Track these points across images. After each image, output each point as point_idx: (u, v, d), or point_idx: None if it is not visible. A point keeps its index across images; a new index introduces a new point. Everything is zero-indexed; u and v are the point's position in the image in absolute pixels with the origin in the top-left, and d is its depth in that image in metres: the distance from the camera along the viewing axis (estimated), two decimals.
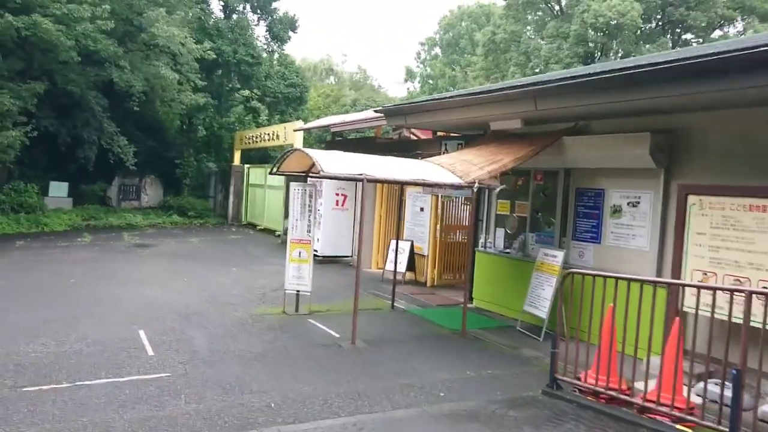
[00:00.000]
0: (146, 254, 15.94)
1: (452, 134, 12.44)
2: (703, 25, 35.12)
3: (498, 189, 8.78)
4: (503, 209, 10.86)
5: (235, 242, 19.68)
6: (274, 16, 27.51)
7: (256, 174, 24.83)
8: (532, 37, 38.53)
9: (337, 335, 8.46)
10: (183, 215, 25.25)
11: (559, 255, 8.85)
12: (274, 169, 9.47)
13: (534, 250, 10.12)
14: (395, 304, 10.93)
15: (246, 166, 25.50)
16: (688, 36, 36.28)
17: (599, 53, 35.03)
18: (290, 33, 27.99)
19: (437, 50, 69.94)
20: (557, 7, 38.26)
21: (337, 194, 15.84)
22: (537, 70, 34.88)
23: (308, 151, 8.45)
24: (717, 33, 35.84)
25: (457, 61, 62.91)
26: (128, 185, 25.99)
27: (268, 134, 22.00)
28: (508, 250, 10.62)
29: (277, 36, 27.24)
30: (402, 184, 9.78)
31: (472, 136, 11.45)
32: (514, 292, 10.08)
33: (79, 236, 18.77)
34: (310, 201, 9.62)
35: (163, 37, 19.25)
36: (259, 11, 27.32)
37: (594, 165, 8.91)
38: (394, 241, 13.28)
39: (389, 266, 13.31)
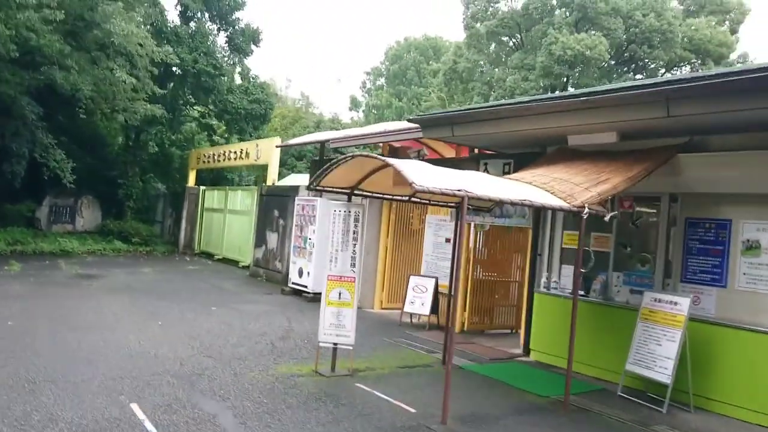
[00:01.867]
0: (96, 288, 13.08)
1: (490, 152, 10.53)
2: (662, 63, 35.40)
3: (609, 216, 6.88)
4: (571, 242, 8.99)
5: (197, 274, 16.95)
6: (236, 27, 25.15)
7: (213, 197, 22.15)
8: (493, 67, 37.74)
9: (412, 410, 6.22)
10: (126, 241, 22.12)
11: (683, 302, 6.99)
12: (314, 184, 7.22)
13: (620, 293, 8.29)
14: (439, 356, 8.78)
15: (201, 188, 22.77)
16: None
17: (563, 86, 34.51)
18: (253, 46, 25.67)
19: (383, 80, 68.99)
20: (516, 40, 37.69)
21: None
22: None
23: (386, 159, 6.28)
24: (674, 72, 36.17)
25: (404, 92, 62.00)
26: (61, 206, 22.63)
27: (236, 152, 19.51)
28: (581, 293, 8.70)
29: (238, 48, 24.85)
30: (503, 204, 7.73)
31: (523, 155, 9.58)
32: (595, 344, 8.17)
33: (5, 264, 15.56)
34: (356, 226, 7.40)
35: (119, 36, 16.58)
36: (219, 21, 24.90)
37: (715, 189, 7.20)
38: (414, 278, 11.18)
39: (408, 308, 11.16)
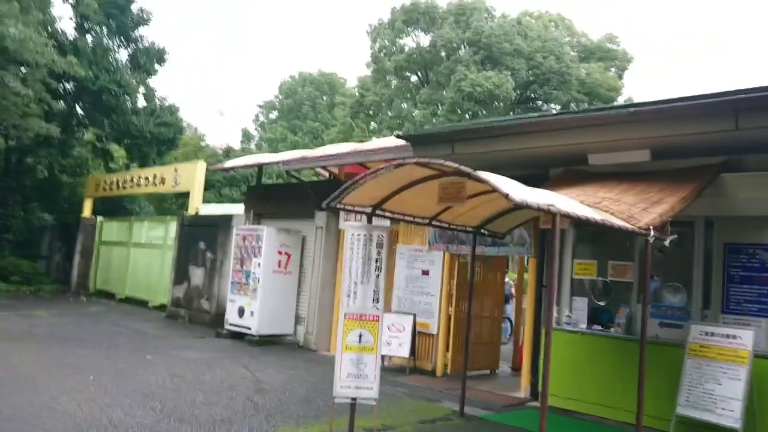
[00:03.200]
0: None
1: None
2: (560, 104, 36.93)
3: (669, 240, 6.14)
4: (584, 272, 8.24)
5: (103, 317, 14.59)
6: (139, 45, 22.97)
7: (113, 229, 19.66)
8: (401, 101, 37.66)
9: None
10: (3, 280, 19.00)
11: (745, 335, 6.34)
12: (335, 202, 5.89)
13: (647, 326, 7.54)
14: (446, 405, 7.60)
15: (99, 218, 20.18)
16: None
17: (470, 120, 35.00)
18: (157, 66, 23.54)
19: (276, 114, 67.49)
20: (421, 75, 37.91)
21: (280, 252, 12.08)
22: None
23: (463, 168, 5.11)
24: None
25: (299, 126, 60.90)
26: None
27: (147, 178, 17.36)
28: (598, 327, 7.94)
29: (142, 67, 22.63)
30: (587, 224, 6.72)
31: (521, 178, 8.76)
32: (623, 385, 7.35)
33: None
34: (379, 253, 6.13)
35: (15, 40, 14.24)
36: (119, 36, 22.61)
37: (762, 212, 6.71)
38: (389, 316, 9.96)
39: (384, 350, 9.86)
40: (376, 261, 6.11)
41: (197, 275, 14.61)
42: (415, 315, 9.93)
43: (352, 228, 6.18)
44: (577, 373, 7.88)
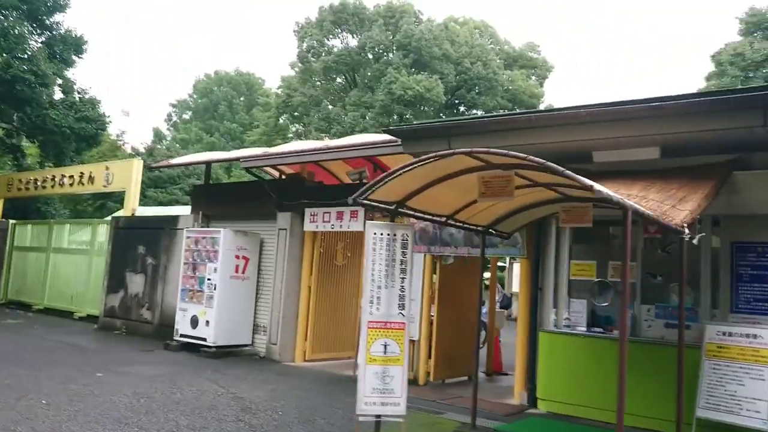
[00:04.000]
0: None
1: None
2: (486, 109, 37.51)
3: (697, 238, 5.96)
4: (583, 273, 8.01)
5: (26, 330, 13.08)
6: (55, 32, 21.12)
7: (27, 233, 17.84)
8: (327, 104, 36.96)
9: None
10: None
11: (766, 334, 6.25)
12: (362, 198, 5.26)
13: (651, 327, 7.42)
14: (450, 417, 7.12)
15: (11, 221, 18.27)
16: None
17: (399, 125, 34.83)
18: (75, 56, 21.71)
19: (190, 114, 64.92)
20: (349, 77, 37.41)
21: (238, 256, 11.19)
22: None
23: (545, 162, 4.58)
24: None
25: (215, 127, 58.83)
26: None
27: (73, 177, 15.79)
28: (598, 329, 7.73)
29: (59, 57, 20.78)
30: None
31: None
32: (630, 389, 7.11)
33: None
34: (404, 254, 5.55)
35: None
36: (32, 22, 20.68)
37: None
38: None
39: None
40: (401, 263, 5.54)
41: (136, 282, 13.38)
42: None
43: (373, 227, 5.58)
44: (580, 378, 7.62)
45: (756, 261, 6.83)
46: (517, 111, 7.71)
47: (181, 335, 11.29)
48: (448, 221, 6.34)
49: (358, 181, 10.53)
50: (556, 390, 7.82)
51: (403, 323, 5.53)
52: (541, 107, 40.28)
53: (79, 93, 20.64)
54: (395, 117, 34.37)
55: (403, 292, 5.53)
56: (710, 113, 6.13)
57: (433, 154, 4.81)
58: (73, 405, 6.76)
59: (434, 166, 5.03)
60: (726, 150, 6.80)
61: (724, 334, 6.51)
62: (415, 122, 29.40)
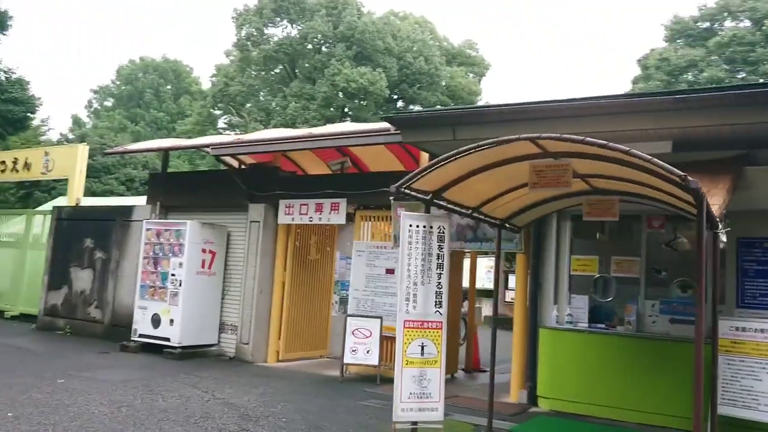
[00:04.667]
0: None
1: None
2: (428, 104, 37.57)
3: (725, 234, 5.90)
4: (584, 268, 7.88)
5: None
6: None
7: None
8: (268, 93, 35.90)
9: None
10: None
11: None
12: (405, 186, 4.83)
13: (656, 323, 7.37)
14: (459, 418, 6.82)
15: None
16: None
17: (340, 118, 34.34)
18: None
19: (112, 101, 61.76)
20: (287, 68, 36.44)
21: (204, 250, 10.46)
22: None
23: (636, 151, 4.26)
24: None
25: (141, 115, 56.27)
26: None
27: (5, 162, 14.36)
28: (600, 325, 7.62)
29: None
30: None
31: None
32: (638, 385, 7.10)
33: None
34: (440, 248, 5.17)
35: None
36: None
37: None
38: (353, 320, 8.97)
39: (350, 358, 8.85)
40: (438, 257, 5.16)
41: (82, 278, 12.32)
42: (382, 318, 8.99)
43: (409, 218, 5.16)
44: (584, 375, 7.48)
45: (762, 256, 6.89)
46: (531, 100, 7.44)
47: (141, 335, 10.44)
48: (473, 213, 6.00)
49: (339, 171, 10.04)
50: (559, 388, 7.65)
51: (441, 322, 5.14)
52: (480, 104, 40.94)
53: (5, 72, 18.96)
54: (338, 110, 33.84)
55: (440, 288, 5.15)
56: (733, 107, 6.07)
57: (493, 140, 4.45)
58: (46, 417, 5.98)
59: (484, 154, 4.68)
60: (736, 146, 6.78)
61: (737, 329, 6.49)
62: (407, 112, 28.94)
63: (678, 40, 36.52)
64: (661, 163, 3.89)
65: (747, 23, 34.65)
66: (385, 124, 8.66)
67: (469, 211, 5.94)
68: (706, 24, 36.78)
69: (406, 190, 4.97)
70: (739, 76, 31.95)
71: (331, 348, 11.40)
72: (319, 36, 34.11)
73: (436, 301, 5.14)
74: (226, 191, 10.75)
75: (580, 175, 5.44)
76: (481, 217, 6.18)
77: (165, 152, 12.08)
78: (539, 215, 6.98)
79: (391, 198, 9.11)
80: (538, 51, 73.81)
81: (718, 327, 5.96)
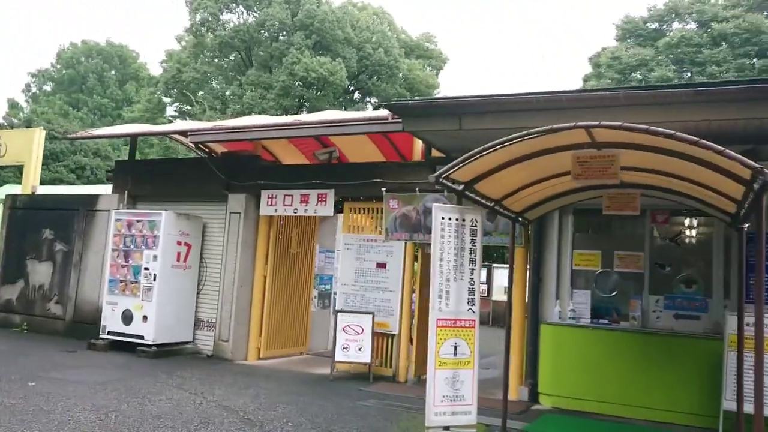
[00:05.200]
0: None
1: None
2: (387, 96, 37.23)
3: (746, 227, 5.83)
4: (586, 263, 7.76)
5: None
6: None
7: None
8: (223, 80, 34.84)
9: None
10: None
11: None
12: (444, 176, 4.50)
13: (660, 318, 7.32)
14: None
15: None
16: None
17: (298, 108, 33.67)
18: None
19: (52, 85, 58.94)
20: (243, 55, 35.43)
21: (180, 242, 9.89)
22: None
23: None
24: None
25: (83, 101, 53.96)
26: None
27: None
28: (604, 321, 7.52)
29: None
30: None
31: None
32: (646, 381, 7.03)
33: None
34: (473, 242, 4.88)
35: None
36: None
37: None
38: (344, 316, 8.63)
39: (341, 356, 8.50)
40: (471, 252, 4.86)
41: (40, 272, 11.50)
42: (373, 314, 8.66)
43: (441, 211, 4.85)
44: (588, 371, 7.36)
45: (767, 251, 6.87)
46: (544, 90, 7.19)
47: (110, 333, 9.79)
48: (495, 206, 5.73)
49: (327, 161, 9.63)
50: (562, 385, 7.50)
51: (473, 320, 4.86)
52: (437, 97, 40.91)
53: None
54: (296, 99, 33.17)
55: (473, 285, 4.87)
56: (751, 101, 6.00)
57: (546, 127, 4.18)
58: (27, 426, 5.42)
59: (530, 143, 4.41)
60: (745, 140, 6.76)
61: (748, 324, 6.45)
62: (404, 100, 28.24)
63: (628, 40, 37.33)
64: (734, 154, 3.70)
65: (693, 25, 35.79)
66: (379, 113, 8.32)
67: (492, 204, 5.66)
68: (656, 25, 37.79)
69: (443, 180, 4.63)
70: (686, 76, 32.87)
71: (312, 344, 11.02)
72: (277, 24, 33.26)
73: (468, 299, 4.86)
74: (201, 180, 10.19)
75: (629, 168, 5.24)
76: (501, 210, 5.92)
77: (133, 138, 11.37)
78: (553, 208, 6.78)
79: (383, 189, 8.93)
80: (495, 46, 74.51)
81: (741, 325, 5.81)
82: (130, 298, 9.69)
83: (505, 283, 16.77)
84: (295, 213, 9.52)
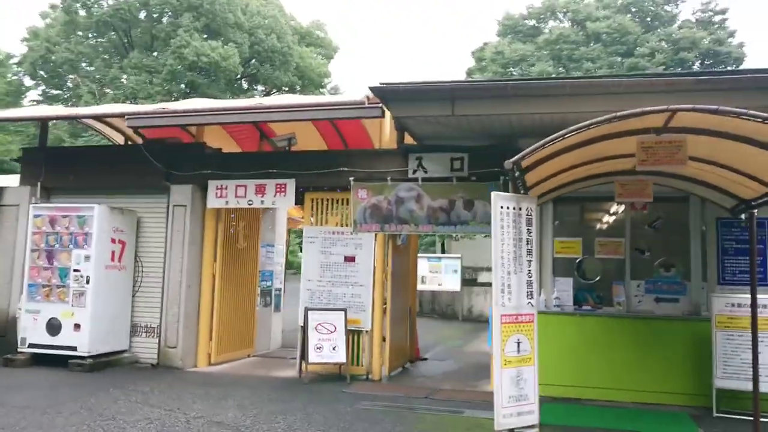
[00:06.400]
0: None
1: (428, 144, 8.33)
2: (280, 84, 36.10)
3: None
4: (567, 250, 7.78)
5: None
6: None
7: None
8: (102, 63, 31.97)
9: None
10: None
11: None
12: (519, 161, 4.15)
13: (642, 302, 7.51)
14: (470, 414, 6.36)
15: None
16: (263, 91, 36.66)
17: (186, 94, 31.76)
18: None
19: None
20: (122, 36, 32.79)
21: (114, 240, 8.81)
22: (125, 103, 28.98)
23: None
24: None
25: None
26: None
27: None
28: (587, 307, 7.59)
29: None
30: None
31: (480, 149, 7.97)
32: (631, 365, 7.18)
33: None
34: (529, 232, 4.61)
35: None
36: None
37: None
38: (315, 313, 8.12)
39: (315, 357, 7.96)
40: (527, 243, 4.59)
41: None
42: (346, 310, 8.18)
43: (500, 199, 4.51)
44: (575, 358, 7.37)
45: (739, 235, 7.24)
46: (553, 76, 7.01)
47: (31, 345, 8.52)
48: (526, 192, 5.49)
49: (286, 148, 8.95)
50: (550, 373, 7.37)
51: (533, 314, 4.60)
52: (329, 87, 40.41)
53: None
54: (187, 85, 31.27)
55: (531, 277, 4.60)
56: (751, 90, 6.21)
57: (628, 111, 3.97)
58: None
59: (601, 129, 4.20)
60: None
61: (733, 305, 6.76)
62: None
63: (509, 35, 38.95)
64: None
65: (567, 24, 38.00)
66: (353, 97, 7.83)
67: (524, 191, 5.43)
68: (533, 22, 39.75)
69: (513, 165, 4.31)
70: (562, 71, 34.74)
71: (257, 345, 10.30)
72: (162, 3, 31.06)
73: (527, 292, 4.58)
74: (135, 171, 9.13)
75: None
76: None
77: (43, 123, 9.93)
78: (563, 194, 6.65)
79: (351, 179, 8.44)
80: (382, 37, 74.93)
81: (754, 303, 5.99)
82: (56, 305, 8.48)
83: (444, 273, 16.81)
84: (249, 205, 8.78)
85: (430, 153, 8.15)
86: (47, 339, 8.45)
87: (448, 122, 7.24)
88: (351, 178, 8.34)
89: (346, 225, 8.49)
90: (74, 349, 8.32)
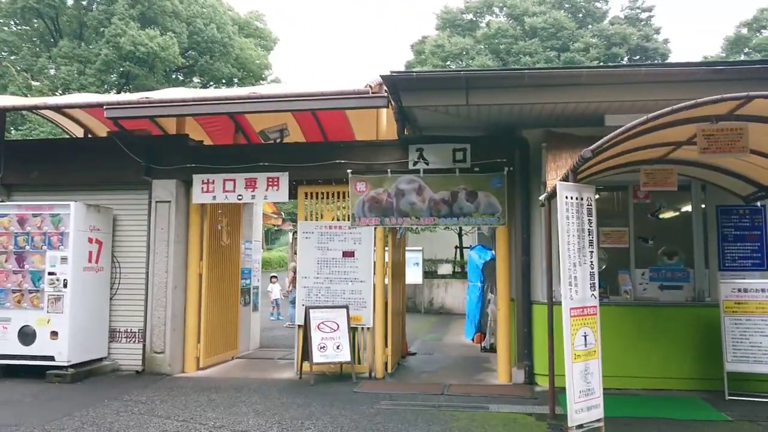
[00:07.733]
0: None
1: (430, 135, 8.10)
2: (220, 76, 34.96)
3: None
4: None
5: None
6: None
7: None
8: (30, 53, 29.98)
9: None
10: None
11: None
12: (592, 153, 4.00)
13: (647, 290, 7.61)
14: (500, 409, 6.26)
15: None
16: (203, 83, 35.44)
17: (122, 86, 30.31)
18: None
19: None
20: (48, 23, 30.87)
21: (91, 240, 8.18)
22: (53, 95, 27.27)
23: None
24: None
25: None
26: None
27: None
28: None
29: None
30: None
31: (482, 140, 7.89)
32: (641, 353, 7.28)
33: None
34: (590, 223, 4.50)
35: None
36: None
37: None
38: (316, 311, 7.83)
39: (319, 357, 7.66)
40: (589, 234, 4.48)
41: None
42: (347, 307, 7.91)
43: (564, 188, 4.38)
44: None
45: (738, 222, 7.44)
46: (561, 66, 6.89)
47: (1, 356, 7.80)
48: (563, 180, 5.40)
49: (279, 139, 8.54)
50: (559, 364, 7.44)
51: (596, 306, 4.51)
52: (270, 78, 39.46)
53: None
54: (123, 76, 29.78)
55: (593, 269, 4.49)
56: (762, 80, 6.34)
57: (712, 97, 3.91)
58: None
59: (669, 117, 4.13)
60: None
61: (740, 290, 6.93)
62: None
63: (447, 29, 39.28)
64: None
65: (503, 18, 38.70)
66: (354, 87, 7.53)
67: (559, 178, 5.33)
68: (470, 16, 40.28)
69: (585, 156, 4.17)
70: (500, 65, 35.19)
71: (241, 346, 9.87)
72: None
73: (591, 284, 4.48)
74: (111, 165, 8.52)
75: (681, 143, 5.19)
76: None
77: (1, 112, 9.08)
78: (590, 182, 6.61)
79: (349, 171, 8.17)
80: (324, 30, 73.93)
81: None
82: (29, 312, 7.79)
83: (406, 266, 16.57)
84: (239, 200, 8.34)
85: (432, 144, 7.96)
86: (20, 349, 7.76)
87: (458, 112, 7.07)
88: (349, 171, 8.05)
89: (344, 219, 8.20)
90: (52, 359, 7.66)
